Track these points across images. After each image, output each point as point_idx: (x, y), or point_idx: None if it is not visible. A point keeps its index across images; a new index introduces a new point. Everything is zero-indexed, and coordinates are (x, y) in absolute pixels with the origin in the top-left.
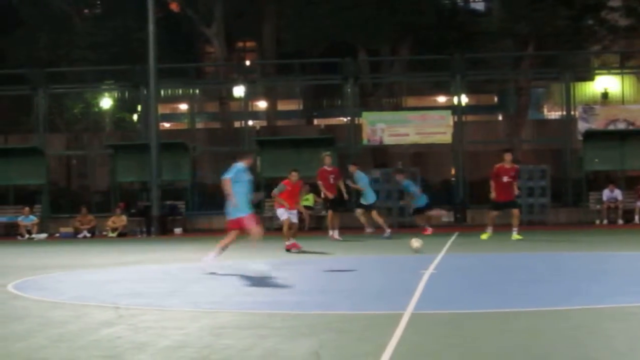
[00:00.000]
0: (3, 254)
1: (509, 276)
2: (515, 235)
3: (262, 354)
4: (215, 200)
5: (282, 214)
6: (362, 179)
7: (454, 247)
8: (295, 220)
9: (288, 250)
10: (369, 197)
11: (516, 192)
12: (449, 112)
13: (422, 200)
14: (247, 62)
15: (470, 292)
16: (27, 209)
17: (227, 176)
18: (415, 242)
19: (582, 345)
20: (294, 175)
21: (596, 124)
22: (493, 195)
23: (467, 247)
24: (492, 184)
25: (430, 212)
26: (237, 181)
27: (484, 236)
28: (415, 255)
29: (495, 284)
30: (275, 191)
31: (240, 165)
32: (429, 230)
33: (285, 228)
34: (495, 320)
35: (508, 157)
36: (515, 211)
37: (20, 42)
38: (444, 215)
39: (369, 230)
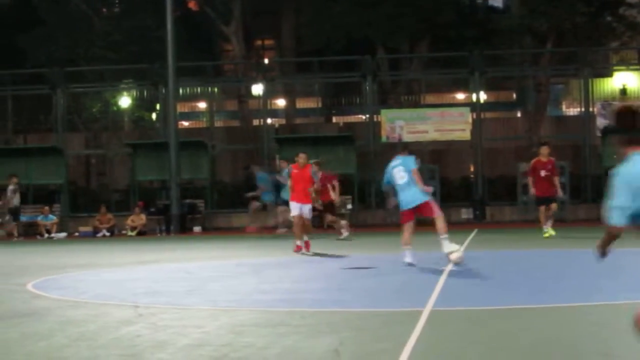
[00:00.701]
0: (23, 254)
1: (528, 273)
2: (549, 231)
3: (281, 351)
4: (234, 198)
5: (294, 208)
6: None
7: (473, 244)
8: (308, 215)
9: (297, 252)
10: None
11: (558, 186)
12: (468, 109)
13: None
14: (266, 60)
15: (489, 289)
16: (46, 208)
17: (415, 167)
18: (456, 253)
19: (602, 340)
20: (302, 157)
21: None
22: (532, 191)
23: (487, 243)
24: (530, 179)
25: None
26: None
27: (546, 235)
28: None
29: (515, 280)
30: (284, 177)
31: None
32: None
33: (295, 226)
34: (514, 317)
35: (544, 150)
36: (553, 206)
37: (39, 41)
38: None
39: (281, 230)
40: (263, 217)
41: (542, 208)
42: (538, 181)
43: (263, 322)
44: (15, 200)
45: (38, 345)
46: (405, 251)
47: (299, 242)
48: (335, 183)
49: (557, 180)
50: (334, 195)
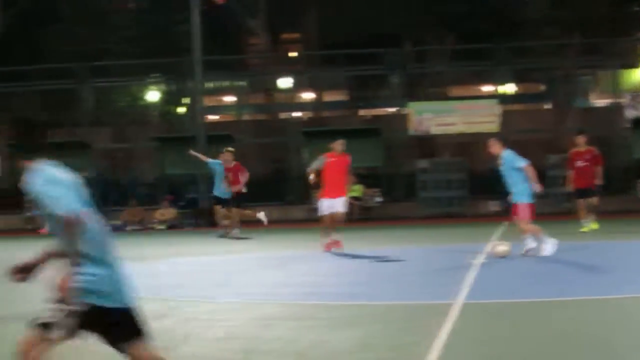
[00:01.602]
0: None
1: (559, 265)
2: (591, 225)
3: (309, 344)
4: (262, 191)
5: (324, 207)
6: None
7: (503, 237)
8: (341, 209)
9: (327, 250)
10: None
11: (598, 177)
12: (495, 101)
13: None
14: (293, 54)
15: (520, 281)
16: None
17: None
18: (501, 246)
19: (636, 333)
20: (339, 144)
21: None
22: (568, 183)
23: (516, 236)
24: (569, 171)
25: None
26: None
27: (585, 229)
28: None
29: (546, 273)
30: (313, 167)
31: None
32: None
33: (325, 223)
34: (546, 309)
35: (581, 140)
36: (592, 201)
37: (65, 36)
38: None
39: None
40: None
41: (581, 201)
42: (576, 173)
43: (291, 315)
44: None
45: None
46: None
47: (328, 239)
48: (244, 175)
49: (599, 170)
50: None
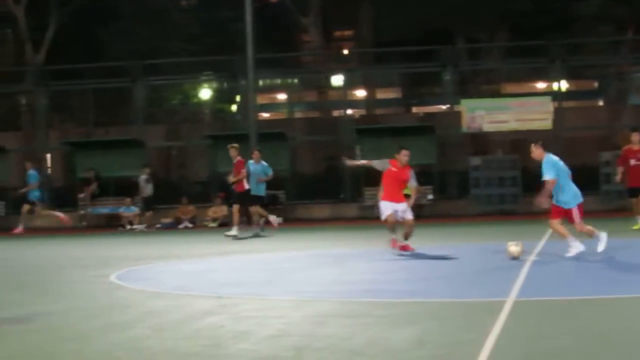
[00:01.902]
0: (105, 245)
1: (611, 262)
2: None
3: (364, 342)
4: (314, 189)
5: (386, 208)
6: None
7: (555, 234)
8: (407, 215)
9: (404, 249)
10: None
11: None
12: (549, 98)
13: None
14: (345, 51)
15: (573, 278)
16: (128, 200)
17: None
18: (514, 247)
19: None
20: (405, 155)
21: None
22: (618, 179)
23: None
24: (620, 169)
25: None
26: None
27: (637, 226)
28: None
29: (599, 270)
30: (375, 162)
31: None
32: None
33: (388, 225)
34: (600, 307)
35: (635, 137)
36: None
37: (119, 34)
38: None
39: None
40: (29, 218)
41: (634, 200)
42: (628, 171)
43: (345, 312)
44: (149, 190)
45: (120, 336)
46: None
47: (394, 236)
48: (244, 172)
49: None
50: (247, 184)
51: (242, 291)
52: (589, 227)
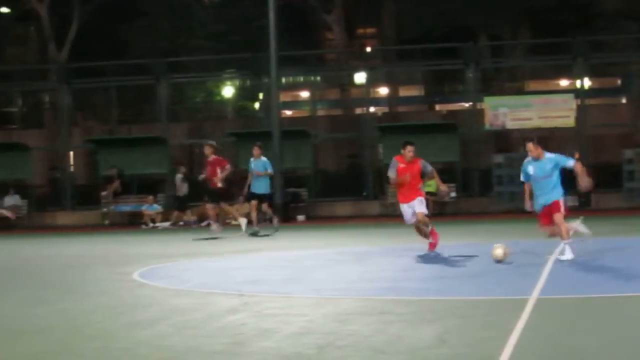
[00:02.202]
0: (128, 243)
1: (634, 261)
2: None
3: (387, 339)
4: (337, 187)
5: (405, 213)
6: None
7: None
8: (418, 208)
9: (431, 250)
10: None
11: None
12: (572, 95)
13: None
14: (368, 49)
15: (595, 277)
16: (151, 197)
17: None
18: (499, 249)
19: None
20: (410, 150)
21: None
22: None
23: (593, 231)
24: None
25: None
26: None
27: None
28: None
29: (623, 268)
30: (390, 173)
31: None
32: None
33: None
34: (624, 305)
35: None
36: None
37: (142, 32)
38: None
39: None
40: None
41: None
42: None
43: (368, 310)
44: (184, 189)
45: (143, 334)
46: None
47: (431, 240)
48: (228, 167)
49: None
50: (219, 182)
51: (264, 289)
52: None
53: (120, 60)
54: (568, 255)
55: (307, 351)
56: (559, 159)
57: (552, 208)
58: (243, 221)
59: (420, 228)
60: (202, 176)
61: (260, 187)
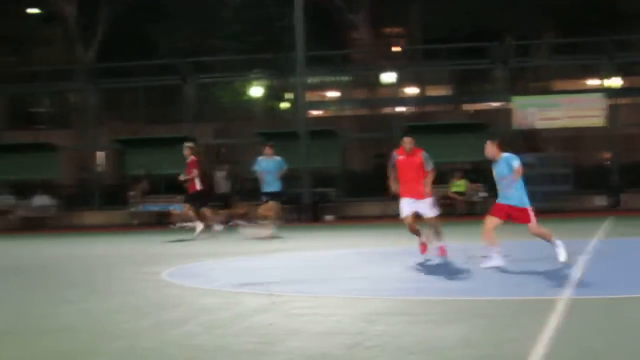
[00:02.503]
0: (156, 243)
1: None
2: None
3: (414, 340)
4: (365, 186)
5: (403, 205)
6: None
7: (608, 232)
8: (428, 213)
9: (441, 253)
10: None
11: None
12: (601, 95)
13: None
14: (395, 48)
15: (627, 276)
16: (178, 197)
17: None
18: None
19: None
20: (407, 142)
21: None
22: None
23: (622, 231)
24: None
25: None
26: None
27: None
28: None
29: None
30: (389, 165)
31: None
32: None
33: (409, 227)
34: None
35: None
36: None
37: (168, 32)
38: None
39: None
40: None
41: None
42: None
43: (395, 310)
44: (226, 187)
45: (171, 333)
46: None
47: (422, 239)
48: (195, 172)
49: None
50: (198, 184)
51: (292, 289)
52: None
53: (147, 61)
54: (562, 255)
55: (334, 351)
56: (509, 158)
57: (520, 216)
58: (199, 226)
59: (412, 226)
60: (180, 177)
61: (273, 185)
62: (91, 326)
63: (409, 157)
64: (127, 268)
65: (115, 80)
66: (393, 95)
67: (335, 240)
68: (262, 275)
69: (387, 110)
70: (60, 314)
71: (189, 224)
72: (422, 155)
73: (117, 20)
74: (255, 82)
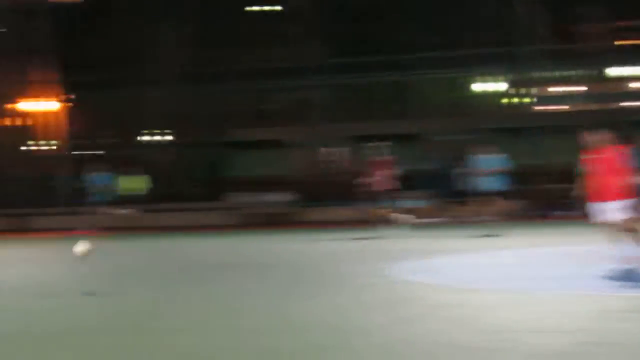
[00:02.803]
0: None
1: None
2: None
3: None
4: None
5: (595, 211)
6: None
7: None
8: (615, 215)
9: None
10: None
11: None
12: None
13: None
14: (632, 42)
15: None
16: (417, 193)
17: None
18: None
19: None
20: (590, 137)
21: None
22: None
23: None
24: None
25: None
26: None
27: None
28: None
29: None
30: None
31: None
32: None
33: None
34: None
35: None
36: None
37: (392, 27)
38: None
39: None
40: None
41: None
42: None
43: (630, 307)
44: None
45: (410, 331)
46: None
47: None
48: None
49: None
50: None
51: (519, 285)
52: None
53: (371, 57)
54: None
55: (578, 349)
56: None
57: None
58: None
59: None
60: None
61: (496, 183)
62: (343, 322)
63: (596, 155)
64: (355, 265)
65: (346, 76)
66: (626, 90)
67: (568, 237)
68: (488, 271)
69: (621, 105)
70: (310, 310)
71: (434, 220)
72: (617, 152)
73: (352, 17)
74: (483, 77)
